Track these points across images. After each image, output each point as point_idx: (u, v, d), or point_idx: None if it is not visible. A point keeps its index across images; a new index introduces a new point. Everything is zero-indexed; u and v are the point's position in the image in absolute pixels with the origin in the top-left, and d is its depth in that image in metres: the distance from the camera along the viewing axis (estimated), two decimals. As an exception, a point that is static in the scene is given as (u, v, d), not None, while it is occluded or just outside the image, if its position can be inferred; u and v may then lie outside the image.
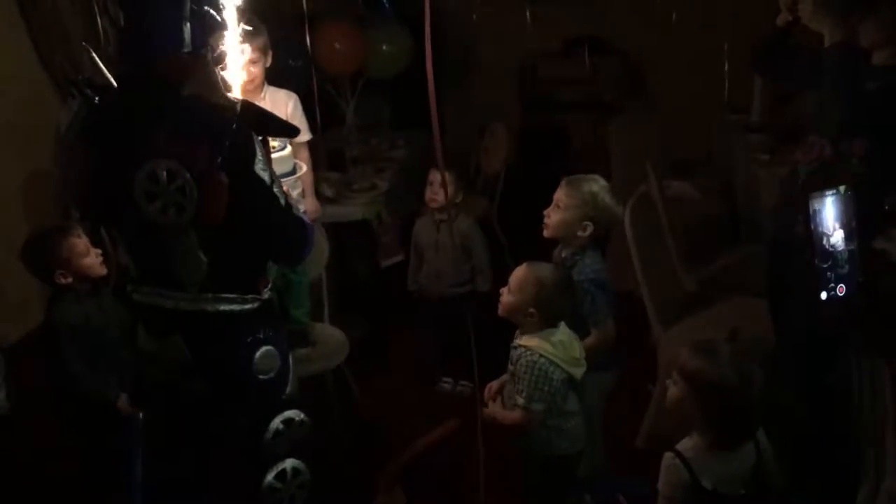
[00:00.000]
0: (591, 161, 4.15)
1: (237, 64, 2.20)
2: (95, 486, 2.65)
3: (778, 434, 2.70)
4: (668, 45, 5.17)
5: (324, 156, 4.36)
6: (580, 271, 2.55)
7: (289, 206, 2.06)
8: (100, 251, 2.59)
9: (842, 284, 1.13)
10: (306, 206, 3.14)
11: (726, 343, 1.89)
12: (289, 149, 2.67)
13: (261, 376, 2.08)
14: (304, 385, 2.37)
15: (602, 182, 2.63)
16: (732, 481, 1.90)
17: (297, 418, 2.15)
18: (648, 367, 3.22)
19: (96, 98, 2.05)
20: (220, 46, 2.13)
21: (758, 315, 2.91)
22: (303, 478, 2.19)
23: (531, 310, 2.30)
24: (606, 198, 2.58)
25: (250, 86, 2.97)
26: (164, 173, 1.89)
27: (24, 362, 2.96)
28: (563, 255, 2.63)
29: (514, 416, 2.31)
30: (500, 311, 2.38)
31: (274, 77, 3.37)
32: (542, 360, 2.27)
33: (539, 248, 2.70)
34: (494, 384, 2.46)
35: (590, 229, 2.56)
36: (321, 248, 3.36)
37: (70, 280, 2.53)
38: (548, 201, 2.65)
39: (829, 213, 1.10)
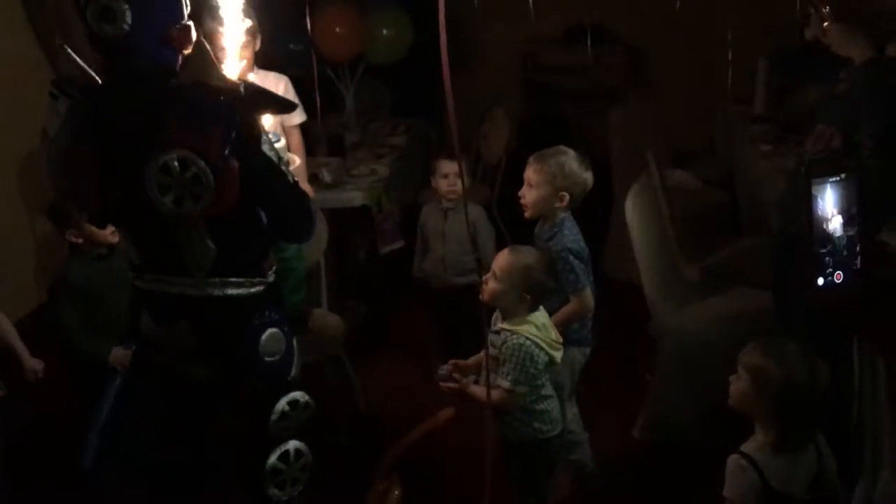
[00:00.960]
0: (593, 150, 4.13)
1: (236, 46, 2.17)
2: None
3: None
4: (671, 33, 5.14)
5: (323, 141, 4.35)
6: (558, 241, 2.59)
7: (295, 182, 2.08)
8: None
9: (839, 271, 1.12)
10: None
11: (793, 342, 1.88)
12: (283, 140, 2.66)
13: (267, 358, 2.09)
14: (303, 371, 2.37)
15: (569, 152, 2.66)
16: (798, 484, 1.87)
17: (302, 400, 2.17)
18: (648, 356, 3.22)
19: (84, 97, 2.00)
20: (219, 29, 2.12)
21: (759, 306, 2.91)
22: (305, 459, 2.21)
23: (525, 295, 2.32)
24: (574, 165, 2.61)
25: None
26: (177, 164, 1.87)
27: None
28: (543, 228, 2.67)
29: (494, 395, 2.29)
30: (486, 298, 2.39)
31: (274, 61, 3.35)
32: (528, 342, 2.30)
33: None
34: (463, 362, 2.45)
35: (566, 199, 2.60)
36: (319, 233, 3.35)
37: (80, 240, 2.67)
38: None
39: (830, 199, 1.09)
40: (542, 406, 2.38)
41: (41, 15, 3.47)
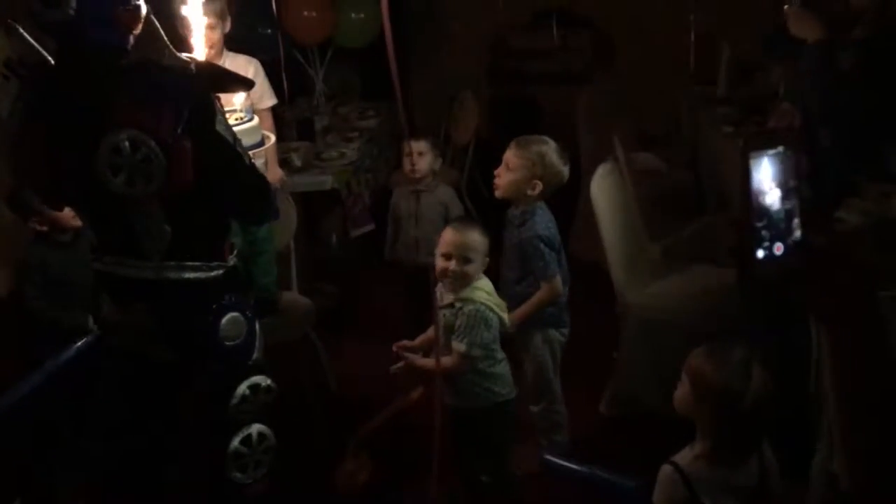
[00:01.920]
0: (560, 132, 4.17)
1: (199, 27, 2.17)
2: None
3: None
4: (636, 17, 5.18)
5: (293, 125, 4.35)
6: (530, 228, 2.66)
7: (252, 163, 2.06)
8: None
9: (779, 243, 1.16)
10: (270, 175, 3.14)
11: (741, 348, 1.80)
12: (256, 120, 2.67)
13: (227, 342, 2.08)
14: (272, 353, 2.39)
15: (551, 143, 2.72)
16: (733, 499, 1.79)
17: (263, 384, 2.16)
18: (613, 334, 3.28)
19: (35, 77, 1.99)
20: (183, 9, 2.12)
21: (721, 283, 2.98)
22: (268, 443, 2.20)
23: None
24: (554, 157, 2.68)
25: (209, 52, 2.95)
26: (127, 144, 1.86)
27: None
28: (515, 212, 2.72)
29: (446, 361, 2.34)
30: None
31: (242, 45, 3.36)
32: (483, 307, 2.37)
33: (502, 224, 2.75)
34: (409, 343, 2.53)
35: (539, 188, 2.66)
36: (289, 217, 3.36)
37: (45, 228, 2.68)
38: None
39: (767, 173, 1.13)
40: (496, 369, 2.44)
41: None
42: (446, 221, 3.58)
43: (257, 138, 2.66)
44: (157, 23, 2.03)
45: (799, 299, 1.34)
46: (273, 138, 3.05)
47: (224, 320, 2.07)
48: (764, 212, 1.15)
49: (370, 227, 4.04)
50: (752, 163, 1.13)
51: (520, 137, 2.74)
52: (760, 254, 1.17)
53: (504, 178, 2.69)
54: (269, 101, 3.42)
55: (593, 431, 3.12)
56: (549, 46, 5.69)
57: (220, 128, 1.97)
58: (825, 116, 2.49)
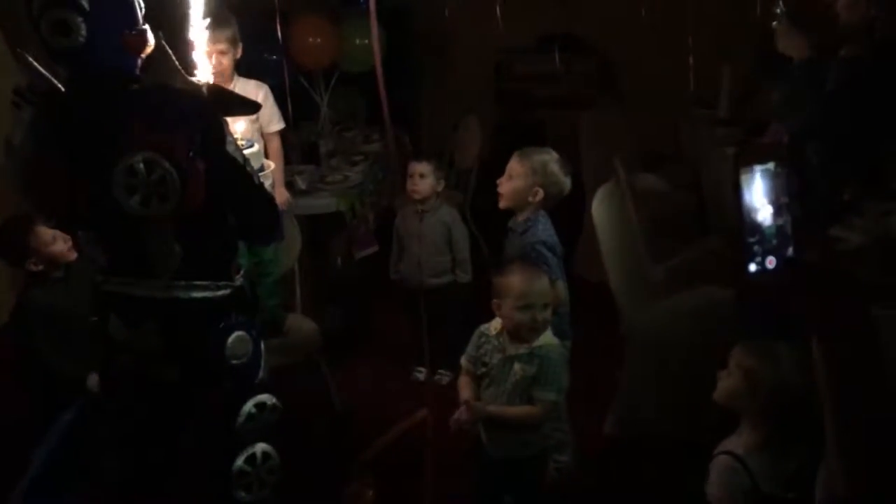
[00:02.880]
0: (564, 155, 4.20)
1: (204, 52, 2.21)
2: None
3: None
4: (638, 41, 5.23)
5: (298, 149, 4.39)
6: (533, 234, 2.70)
7: (261, 184, 2.11)
8: (67, 236, 2.60)
9: (771, 257, 1.17)
10: (276, 197, 3.17)
11: (785, 344, 1.90)
12: (257, 146, 2.71)
13: (233, 361, 2.10)
14: (277, 375, 2.40)
15: (552, 153, 2.78)
16: (782, 482, 1.88)
17: (269, 402, 2.18)
18: (617, 355, 3.29)
19: (47, 104, 2.01)
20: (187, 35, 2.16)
21: (723, 304, 2.98)
22: (272, 462, 2.21)
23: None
24: (555, 167, 2.74)
25: (219, 77, 2.99)
26: (142, 165, 1.90)
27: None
28: (517, 221, 2.76)
29: (530, 410, 2.29)
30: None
31: (248, 70, 3.40)
32: (561, 349, 2.38)
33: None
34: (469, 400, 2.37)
35: (539, 195, 2.71)
36: (294, 239, 3.40)
37: (41, 267, 2.58)
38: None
39: (759, 188, 1.15)
40: (557, 423, 2.49)
41: (12, 23, 3.49)
42: (449, 242, 3.62)
43: (257, 165, 2.70)
44: (167, 47, 2.07)
45: (794, 315, 1.35)
46: (272, 165, 3.09)
47: (230, 339, 2.09)
48: (756, 227, 1.17)
49: (374, 248, 4.07)
50: (744, 178, 1.15)
51: (523, 149, 2.80)
52: (752, 268, 1.19)
53: (506, 186, 2.76)
54: (278, 125, 3.47)
55: (598, 452, 3.12)
56: (553, 71, 5.75)
57: (230, 148, 2.02)
58: (811, 133, 2.52)
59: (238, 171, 2.03)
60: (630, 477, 2.99)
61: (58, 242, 2.58)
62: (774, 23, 2.69)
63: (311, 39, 4.57)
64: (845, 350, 1.19)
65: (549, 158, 2.74)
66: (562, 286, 2.70)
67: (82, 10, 1.88)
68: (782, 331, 2.45)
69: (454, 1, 5.79)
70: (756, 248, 1.16)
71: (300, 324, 3.30)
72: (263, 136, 3.36)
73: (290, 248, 3.32)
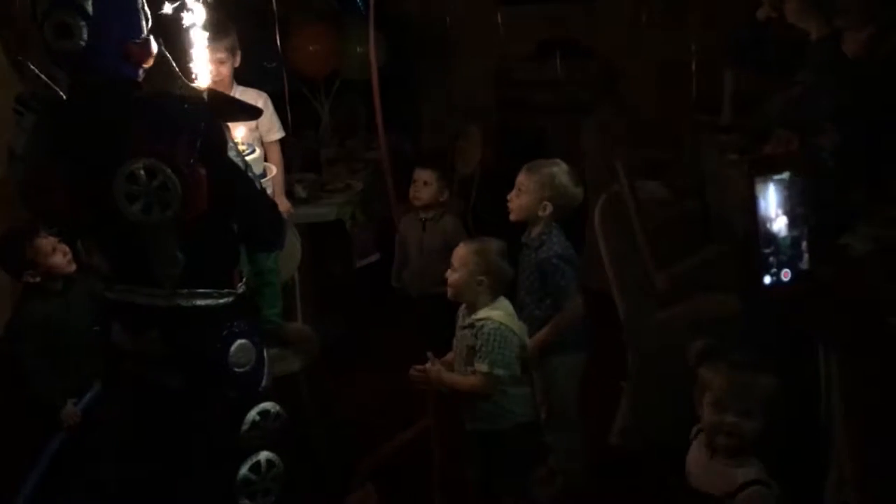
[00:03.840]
0: (566, 162, 4.20)
1: (204, 60, 2.20)
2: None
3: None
4: (639, 47, 5.22)
5: (298, 157, 4.38)
6: (548, 248, 2.67)
7: (263, 189, 2.12)
8: (67, 248, 2.59)
9: (786, 269, 1.15)
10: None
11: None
12: (258, 152, 2.69)
13: (237, 369, 2.09)
14: (278, 384, 2.38)
15: (562, 165, 2.75)
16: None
17: (272, 410, 2.17)
18: (620, 364, 3.26)
19: (48, 111, 2.01)
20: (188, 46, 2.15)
21: (727, 311, 2.96)
22: (277, 470, 2.20)
23: (480, 278, 2.40)
24: (564, 178, 2.71)
25: (218, 86, 2.98)
26: (143, 172, 1.89)
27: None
28: (531, 235, 2.74)
29: (472, 380, 2.38)
30: (450, 292, 2.50)
31: (248, 79, 3.39)
32: (503, 326, 2.37)
33: (512, 249, 2.75)
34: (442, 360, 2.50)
35: (549, 209, 2.69)
36: (294, 248, 3.37)
37: (38, 279, 2.56)
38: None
39: (773, 199, 1.12)
40: (518, 390, 2.43)
41: (10, 31, 3.47)
42: (451, 251, 3.60)
43: (259, 170, 2.69)
44: (168, 55, 2.06)
45: (808, 327, 1.32)
46: (274, 170, 3.08)
47: (234, 347, 2.08)
48: (771, 238, 1.15)
49: (375, 257, 4.05)
50: (759, 188, 1.13)
51: (532, 161, 2.77)
52: (767, 280, 1.17)
53: (516, 201, 2.74)
54: (278, 133, 3.46)
55: (605, 461, 3.09)
56: (554, 77, 5.73)
57: (231, 154, 2.01)
58: (836, 117, 2.36)
59: (240, 177, 2.03)
60: (634, 488, 2.96)
61: (57, 254, 2.57)
62: None
63: (311, 47, 4.56)
64: (863, 363, 1.17)
65: (559, 171, 2.71)
66: (580, 300, 2.68)
67: (85, 14, 1.88)
68: (791, 340, 2.45)
69: (455, 8, 5.79)
70: (771, 259, 1.14)
71: (300, 332, 3.28)
72: (263, 145, 3.34)
73: (290, 257, 3.30)
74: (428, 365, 2.46)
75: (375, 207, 4.24)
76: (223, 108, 2.09)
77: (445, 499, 2.75)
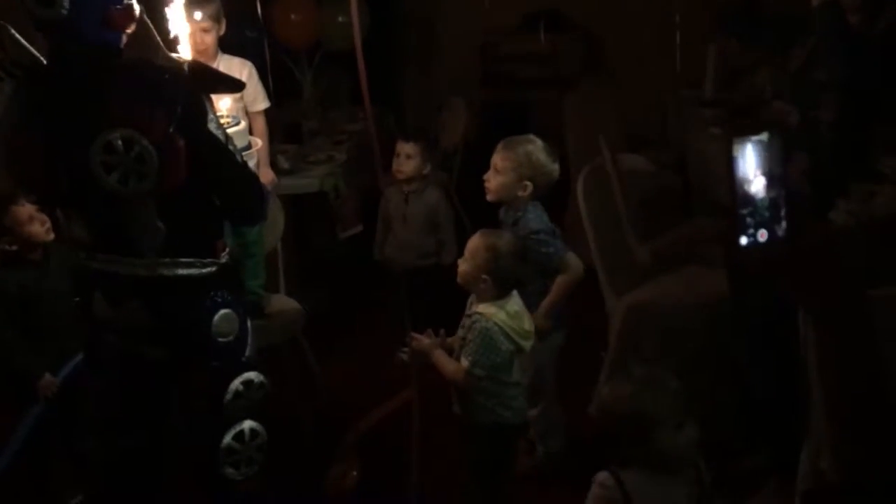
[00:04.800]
0: (551, 135, 4.19)
1: (185, 29, 2.17)
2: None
3: (729, 395, 2.81)
4: (624, 19, 5.21)
5: (280, 128, 4.34)
6: (523, 226, 2.62)
7: (244, 162, 2.09)
8: (46, 218, 2.56)
9: (763, 230, 1.15)
10: (261, 177, 3.13)
11: (642, 367, 1.80)
12: (243, 124, 2.67)
13: (220, 339, 2.09)
14: (261, 356, 2.38)
15: (537, 142, 2.69)
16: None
17: (256, 380, 2.17)
18: (602, 335, 3.28)
19: (28, 77, 1.99)
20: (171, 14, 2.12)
21: (708, 283, 2.99)
22: (261, 439, 2.21)
23: (484, 276, 2.32)
24: (541, 156, 2.64)
25: (203, 55, 2.95)
26: (120, 142, 1.87)
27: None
28: (508, 213, 2.69)
29: (452, 368, 2.33)
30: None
31: (229, 48, 3.35)
32: (495, 328, 2.30)
33: (496, 222, 2.75)
34: (440, 339, 2.43)
35: (529, 189, 2.63)
36: (277, 219, 3.36)
37: (15, 248, 2.54)
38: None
39: (751, 160, 1.12)
40: (504, 391, 2.38)
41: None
42: (434, 224, 3.60)
43: (244, 143, 2.66)
44: (150, 23, 2.04)
45: (785, 292, 1.33)
46: (260, 142, 3.05)
47: (217, 316, 2.08)
48: (749, 200, 1.15)
49: (358, 228, 4.04)
50: (736, 149, 1.13)
51: (506, 139, 2.71)
52: (744, 241, 1.17)
53: (493, 181, 2.67)
54: (263, 104, 3.42)
55: (587, 434, 3.11)
56: (538, 50, 5.71)
57: (211, 126, 1.99)
58: (845, 84, 2.31)
59: (219, 149, 2.01)
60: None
61: (34, 223, 2.54)
62: None
63: (292, 16, 4.51)
64: (838, 331, 1.18)
65: (534, 148, 2.65)
66: (573, 257, 2.65)
67: None
68: (771, 306, 2.47)
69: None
70: (748, 220, 1.14)
71: (283, 305, 3.28)
72: (248, 115, 3.31)
73: (273, 229, 3.29)
74: (426, 338, 2.40)
75: (359, 179, 4.23)
76: (205, 79, 2.07)
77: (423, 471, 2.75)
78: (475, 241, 2.38)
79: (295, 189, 3.85)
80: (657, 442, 1.70)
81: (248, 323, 2.20)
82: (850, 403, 1.26)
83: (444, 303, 3.17)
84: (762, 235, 1.17)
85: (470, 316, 2.37)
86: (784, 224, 1.17)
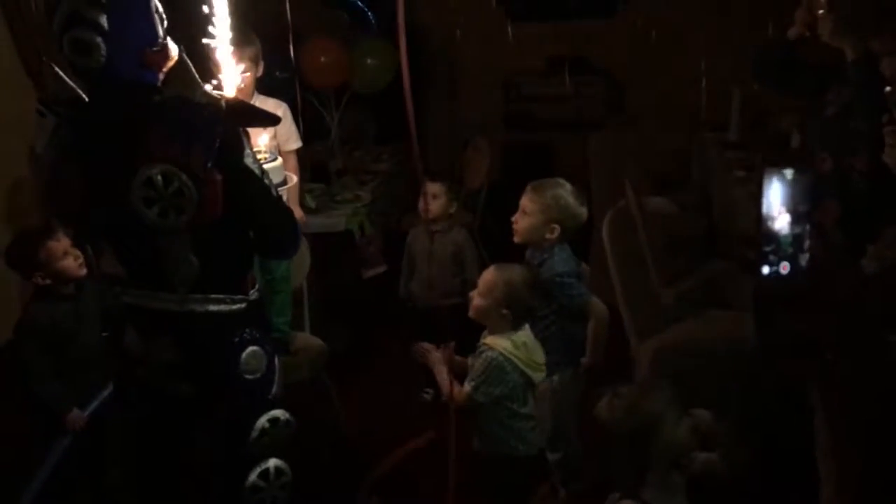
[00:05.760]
0: (574, 178, 4.22)
1: (232, 68, 2.23)
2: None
3: (750, 443, 2.78)
4: (648, 63, 5.25)
5: (308, 168, 4.40)
6: (549, 269, 2.64)
7: (279, 196, 2.12)
8: (79, 253, 2.60)
9: (785, 262, 1.16)
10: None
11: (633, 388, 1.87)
12: (279, 160, 2.71)
13: (247, 376, 2.11)
14: (285, 394, 2.39)
15: (566, 185, 2.72)
16: None
17: (282, 417, 2.18)
18: (627, 378, 3.26)
19: (69, 113, 2.03)
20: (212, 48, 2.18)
21: (732, 327, 2.97)
22: (285, 478, 2.21)
23: (504, 311, 2.35)
24: (570, 200, 2.67)
25: (241, 94, 3.00)
26: (160, 177, 1.91)
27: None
28: (534, 254, 2.71)
29: (456, 390, 2.32)
30: (471, 313, 2.45)
31: (260, 89, 3.42)
32: (501, 358, 2.33)
33: (518, 262, 2.75)
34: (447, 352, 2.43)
35: (557, 232, 2.66)
36: (303, 257, 3.39)
37: (48, 282, 2.56)
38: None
39: (777, 196, 1.14)
40: (518, 424, 2.39)
41: (24, 36, 3.50)
42: (459, 263, 3.62)
43: (279, 178, 2.70)
44: (188, 61, 2.09)
45: (806, 330, 1.33)
46: (294, 178, 3.10)
47: (245, 353, 2.10)
48: (773, 234, 1.16)
49: (382, 268, 4.06)
50: (765, 183, 1.14)
51: (535, 182, 2.73)
52: (766, 270, 1.18)
53: (521, 223, 2.70)
54: (295, 143, 3.49)
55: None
56: (563, 93, 5.76)
57: (248, 161, 2.02)
58: (870, 140, 2.31)
59: (256, 183, 2.04)
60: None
61: (68, 258, 2.57)
62: (820, 11, 2.38)
63: (322, 59, 4.59)
64: (860, 376, 1.18)
65: (563, 191, 2.68)
66: (597, 302, 2.67)
67: (102, 30, 1.89)
68: (801, 355, 2.45)
69: (465, 22, 5.83)
70: (772, 257, 1.15)
71: (308, 342, 3.29)
72: (281, 154, 3.37)
73: (299, 266, 3.32)
74: (436, 348, 2.42)
75: (384, 218, 4.26)
76: (241, 114, 2.11)
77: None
78: (491, 277, 2.41)
79: (321, 228, 3.89)
80: (661, 440, 1.76)
81: (276, 360, 2.22)
82: (865, 450, 1.25)
83: (467, 341, 3.18)
84: (784, 268, 1.17)
85: (479, 346, 2.40)
86: (807, 257, 1.18)
